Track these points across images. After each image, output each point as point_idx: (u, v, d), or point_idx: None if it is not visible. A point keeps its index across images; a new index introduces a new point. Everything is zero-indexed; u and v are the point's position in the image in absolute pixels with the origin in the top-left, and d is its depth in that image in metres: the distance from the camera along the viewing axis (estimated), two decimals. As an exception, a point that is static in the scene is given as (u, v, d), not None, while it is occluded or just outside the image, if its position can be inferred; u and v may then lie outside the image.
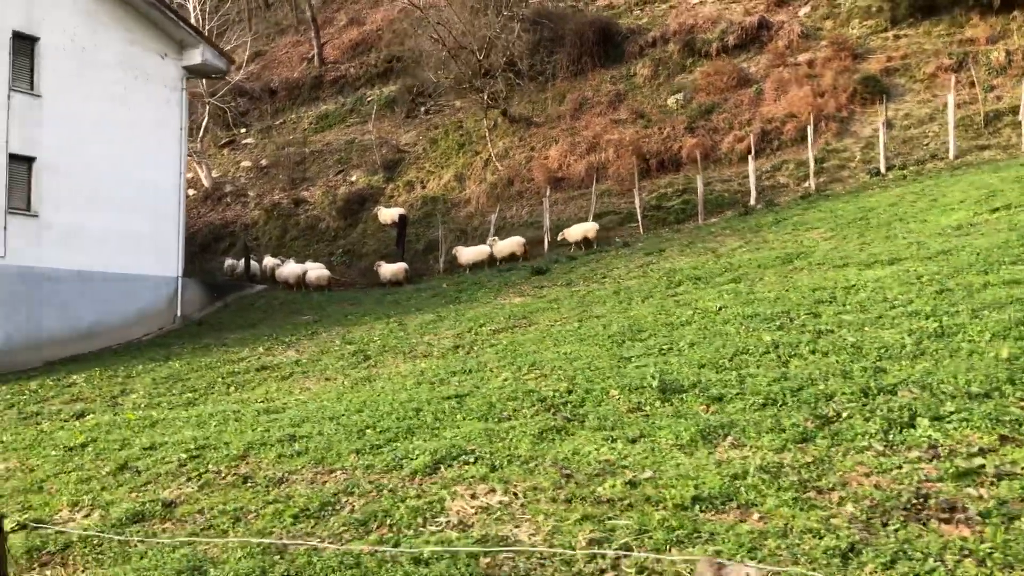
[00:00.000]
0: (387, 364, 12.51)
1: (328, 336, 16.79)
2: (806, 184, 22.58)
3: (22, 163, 20.98)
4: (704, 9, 31.77)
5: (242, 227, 34.67)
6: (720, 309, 11.16)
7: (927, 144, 22.08)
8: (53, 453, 9.01)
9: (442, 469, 6.37)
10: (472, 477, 6.04)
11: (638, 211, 23.42)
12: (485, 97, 30.20)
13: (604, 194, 25.69)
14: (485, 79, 30.28)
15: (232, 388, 12.75)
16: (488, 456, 6.47)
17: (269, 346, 16.60)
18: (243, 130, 41.99)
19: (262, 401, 11.18)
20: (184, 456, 7.96)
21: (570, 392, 8.27)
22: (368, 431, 8.02)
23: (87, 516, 6.54)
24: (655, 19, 33.07)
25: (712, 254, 17.21)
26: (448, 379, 10.38)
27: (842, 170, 22.46)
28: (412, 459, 6.71)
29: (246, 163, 39.48)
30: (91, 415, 11.98)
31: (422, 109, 36.88)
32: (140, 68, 23.58)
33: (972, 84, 23.29)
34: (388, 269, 25.65)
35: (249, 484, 6.81)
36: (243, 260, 28.02)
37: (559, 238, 23.71)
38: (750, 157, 22.90)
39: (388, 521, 5.39)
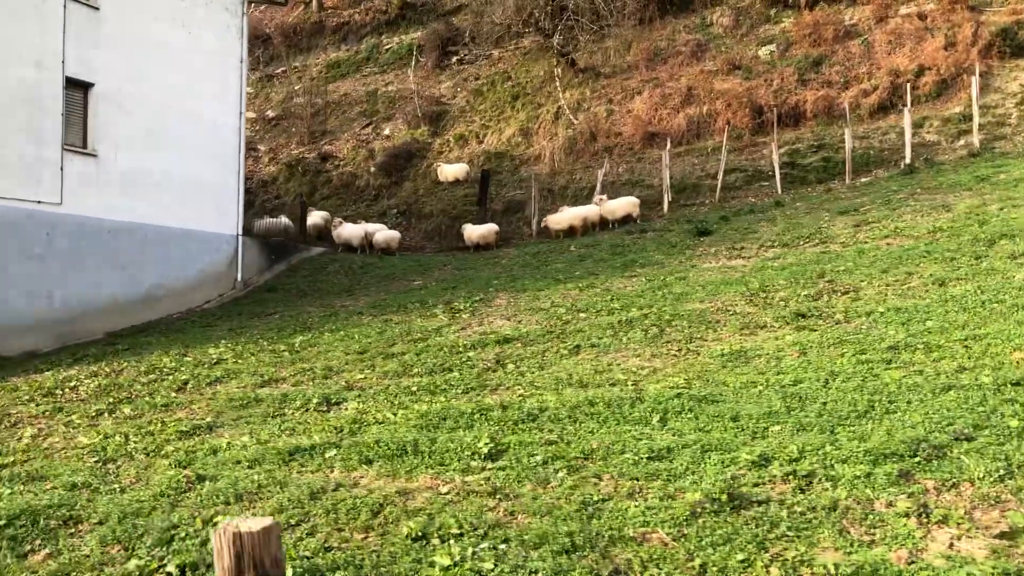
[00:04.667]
0: (720, 338, 9.72)
1: (512, 302, 13.83)
2: (961, 142, 20.56)
3: (78, 90, 17.18)
4: (781, -43, 29.38)
5: (260, 183, 30.83)
6: None
7: (1094, 102, 20.33)
8: (474, 464, 6.00)
9: None
10: None
11: (776, 169, 20.99)
12: (556, 43, 27.20)
13: (716, 150, 23.16)
14: (554, 23, 27.25)
15: (509, 365, 9.75)
16: None
17: (451, 312, 13.55)
18: (240, 78, 37.67)
19: (612, 384, 8.27)
20: (788, 475, 5.11)
21: None
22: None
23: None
24: (720, -33, 30.54)
25: (947, 211, 14.93)
26: (902, 357, 7.75)
27: (1001, 127, 20.50)
28: None
29: (249, 114, 35.32)
30: (352, 401, 8.85)
31: (454, 59, 33.54)
32: (201, -15, 19.81)
33: (1120, 40, 21.64)
34: (476, 231, 22.56)
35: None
36: (298, 219, 24.42)
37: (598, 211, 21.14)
38: (906, 111, 20.67)
39: None
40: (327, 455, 6.67)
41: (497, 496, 5.34)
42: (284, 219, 25.41)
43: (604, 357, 9.60)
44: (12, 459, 7.44)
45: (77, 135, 17.18)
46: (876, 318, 9.26)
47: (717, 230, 17.71)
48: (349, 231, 23.80)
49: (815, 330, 9.30)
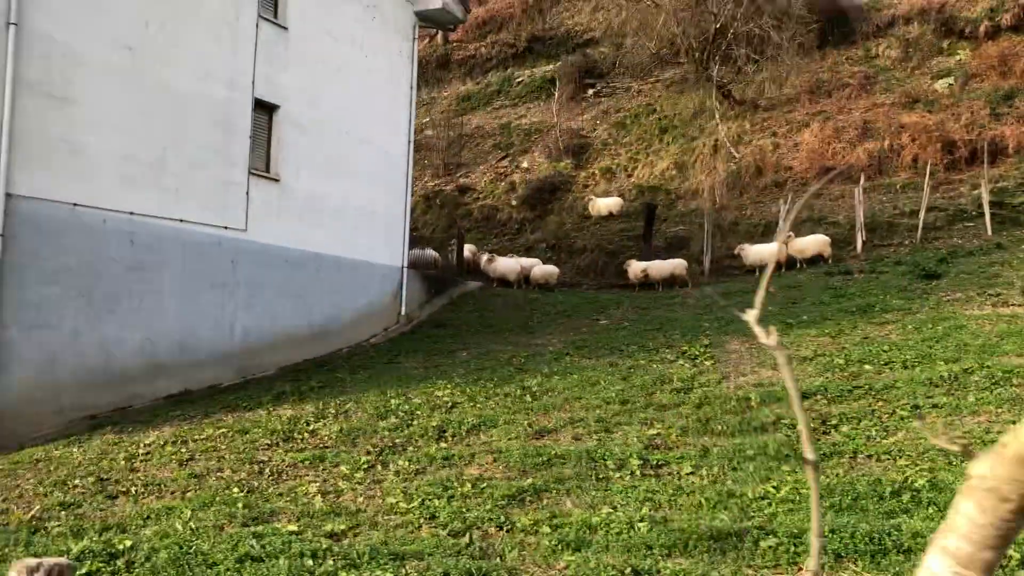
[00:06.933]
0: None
1: (754, 350, 12.37)
2: None
3: (264, 112, 16.43)
4: (950, -14, 27.74)
5: (394, 215, 30.02)
6: None
7: None
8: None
9: None
10: None
11: (986, 208, 19.21)
12: (714, 74, 25.93)
13: (905, 187, 21.51)
14: (714, 51, 26.00)
15: (842, 427, 8.29)
16: None
17: (687, 358, 12.17)
18: (366, 109, 37.35)
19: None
20: None
21: None
22: None
23: None
24: (877, -5, 28.98)
25: None
26: None
27: None
28: None
29: (378, 145, 34.84)
30: (675, 464, 7.51)
31: (590, 92, 32.53)
32: (377, 7, 19.05)
33: None
34: (639, 268, 21.22)
35: None
36: (456, 252, 23.43)
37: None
38: None
39: None
40: (764, 544, 5.30)
41: None
42: (431, 251, 24.48)
43: (965, 421, 8.08)
44: (343, 525, 6.23)
45: (261, 159, 16.41)
46: None
47: (945, 273, 16.05)
48: (505, 265, 22.70)
49: None
